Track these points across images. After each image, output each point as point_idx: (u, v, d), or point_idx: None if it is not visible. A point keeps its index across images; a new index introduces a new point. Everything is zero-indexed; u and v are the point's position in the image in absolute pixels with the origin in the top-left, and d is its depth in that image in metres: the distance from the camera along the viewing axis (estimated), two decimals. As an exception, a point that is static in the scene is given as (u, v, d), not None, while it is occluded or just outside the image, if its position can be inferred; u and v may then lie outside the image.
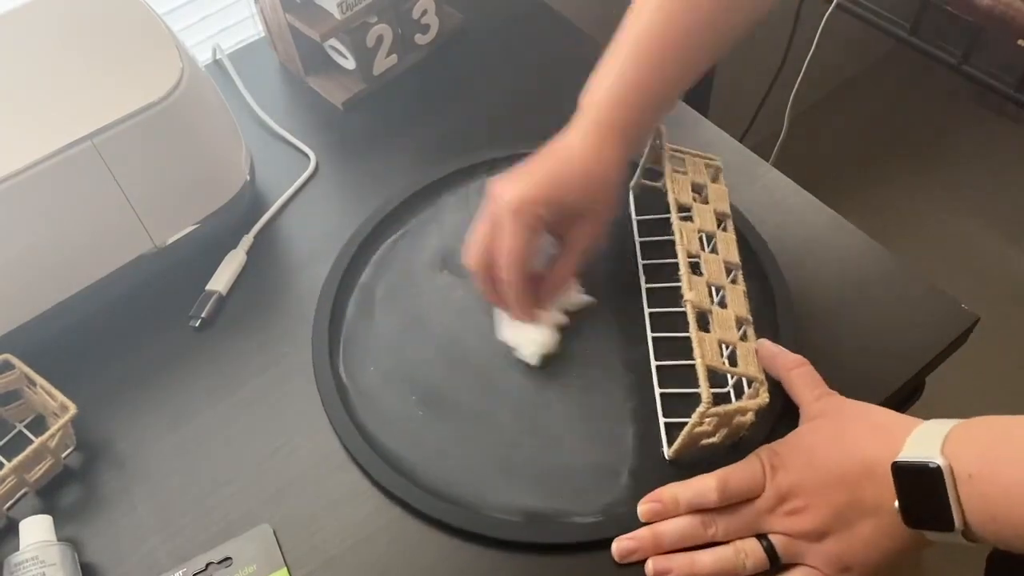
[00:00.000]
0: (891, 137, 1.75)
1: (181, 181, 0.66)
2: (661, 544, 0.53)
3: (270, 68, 0.85)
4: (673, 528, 0.53)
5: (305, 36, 0.79)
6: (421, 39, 0.84)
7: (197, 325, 0.66)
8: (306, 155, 0.77)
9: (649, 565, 0.52)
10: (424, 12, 0.82)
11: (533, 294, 0.60)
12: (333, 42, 0.80)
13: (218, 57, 0.84)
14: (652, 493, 0.54)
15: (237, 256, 0.70)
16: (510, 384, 0.61)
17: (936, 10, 0.91)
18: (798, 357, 0.57)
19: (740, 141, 0.76)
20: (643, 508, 0.54)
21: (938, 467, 0.44)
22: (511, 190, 0.57)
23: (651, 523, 0.54)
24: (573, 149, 0.59)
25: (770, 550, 0.51)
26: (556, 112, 0.78)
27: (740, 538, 0.52)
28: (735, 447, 0.56)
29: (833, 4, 1.01)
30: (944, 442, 0.45)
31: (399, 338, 0.64)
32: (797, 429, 0.54)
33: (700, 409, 0.51)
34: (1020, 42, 0.83)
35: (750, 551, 0.51)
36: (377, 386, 0.62)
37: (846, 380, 0.56)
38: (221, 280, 0.68)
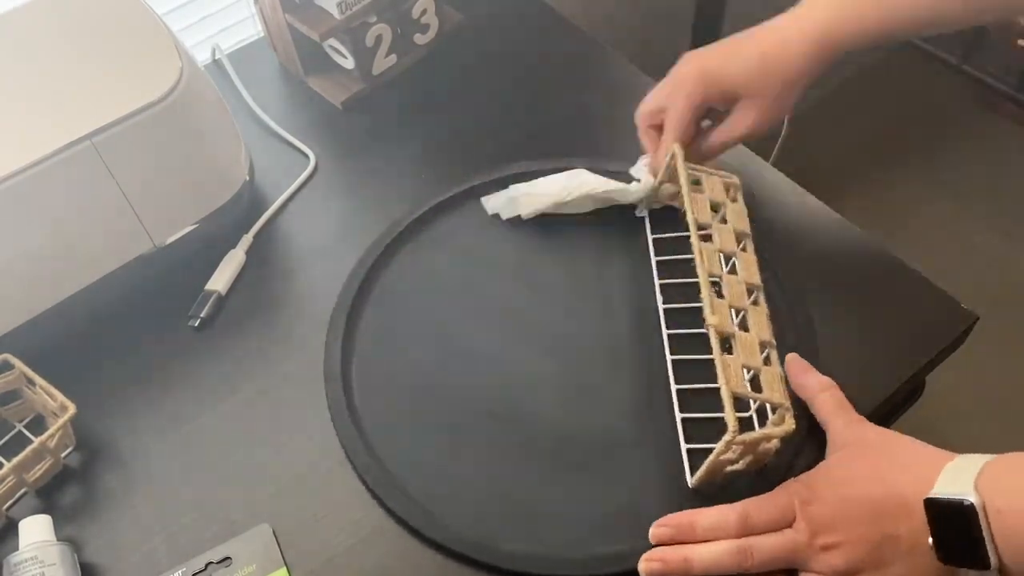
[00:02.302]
0: (891, 137, 1.75)
1: (180, 181, 0.66)
2: (691, 570, 0.50)
3: (270, 68, 0.85)
4: (706, 555, 0.50)
5: (304, 36, 0.79)
6: (420, 39, 0.83)
7: (196, 325, 0.66)
8: (305, 155, 0.77)
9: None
10: (423, 12, 0.82)
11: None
12: (332, 42, 0.80)
13: (217, 57, 0.84)
14: (667, 517, 0.52)
15: (236, 256, 0.70)
16: (526, 405, 0.60)
17: (936, 10, 0.91)
18: (826, 380, 0.56)
19: (740, 141, 0.76)
20: (656, 531, 0.52)
21: (971, 504, 0.43)
22: (695, 59, 0.62)
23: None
24: (765, 30, 0.61)
25: None
26: (556, 111, 0.79)
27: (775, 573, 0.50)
28: (760, 474, 0.55)
29: (833, 4, 1.01)
30: (978, 477, 0.44)
31: (414, 349, 0.63)
32: (827, 460, 0.53)
33: (726, 438, 0.49)
34: (1020, 42, 0.83)
35: None
36: (388, 400, 0.61)
37: (846, 380, 0.56)
38: (220, 280, 0.68)
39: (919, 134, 1.74)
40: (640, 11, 1.37)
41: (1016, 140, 1.69)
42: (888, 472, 0.49)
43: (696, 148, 0.65)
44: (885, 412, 0.61)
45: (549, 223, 0.69)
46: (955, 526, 0.44)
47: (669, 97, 0.63)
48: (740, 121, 0.62)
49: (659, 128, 0.65)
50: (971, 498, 0.43)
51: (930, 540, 0.45)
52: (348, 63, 0.81)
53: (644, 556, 0.51)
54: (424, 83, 0.83)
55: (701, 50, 0.63)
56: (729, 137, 0.63)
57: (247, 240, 0.71)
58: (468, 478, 0.57)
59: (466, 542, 0.54)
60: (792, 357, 0.57)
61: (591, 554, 0.53)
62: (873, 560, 0.48)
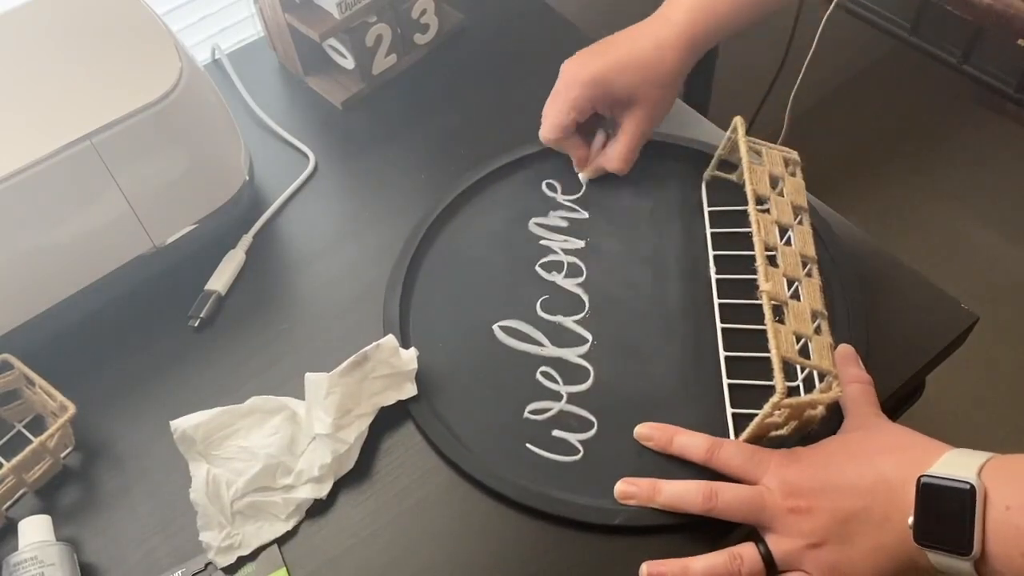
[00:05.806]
0: (891, 137, 1.75)
1: (180, 181, 0.66)
2: (657, 496, 0.54)
3: (269, 68, 0.85)
4: (674, 486, 0.54)
5: (304, 36, 0.79)
6: (420, 39, 0.84)
7: (196, 325, 0.66)
8: (305, 155, 0.77)
9: (643, 569, 0.52)
10: (423, 12, 0.82)
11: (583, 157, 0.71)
12: (332, 42, 0.80)
13: (217, 57, 0.84)
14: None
15: (236, 256, 0.70)
16: (578, 363, 0.62)
17: (936, 10, 0.91)
18: (866, 375, 0.57)
19: (740, 141, 0.76)
20: (639, 431, 0.57)
21: (971, 488, 0.43)
22: (571, 69, 0.67)
23: (626, 498, 0.55)
24: (638, 38, 0.67)
25: (767, 556, 0.51)
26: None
27: (741, 524, 0.52)
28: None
29: (833, 4, 1.01)
30: (982, 469, 0.44)
31: (461, 324, 0.65)
32: (824, 439, 0.54)
33: (774, 399, 0.51)
34: (1020, 42, 0.83)
35: (746, 556, 0.51)
36: (444, 363, 0.62)
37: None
38: (220, 280, 0.68)
39: (919, 134, 1.74)
40: (640, 12, 1.37)
41: (1016, 140, 1.69)
42: (876, 449, 0.50)
43: (598, 160, 0.70)
44: (885, 412, 0.61)
45: (605, 191, 0.71)
46: (944, 509, 0.44)
47: (575, 102, 0.67)
48: (635, 128, 0.68)
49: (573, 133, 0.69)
50: (972, 482, 0.43)
51: (910, 519, 0.45)
52: (348, 63, 0.81)
53: (621, 480, 0.55)
54: (424, 83, 0.83)
55: (583, 58, 0.67)
56: (628, 146, 0.68)
57: (247, 240, 0.71)
58: (511, 433, 0.59)
59: (505, 482, 0.56)
60: (844, 346, 0.59)
61: (632, 508, 0.55)
62: (839, 534, 0.49)
